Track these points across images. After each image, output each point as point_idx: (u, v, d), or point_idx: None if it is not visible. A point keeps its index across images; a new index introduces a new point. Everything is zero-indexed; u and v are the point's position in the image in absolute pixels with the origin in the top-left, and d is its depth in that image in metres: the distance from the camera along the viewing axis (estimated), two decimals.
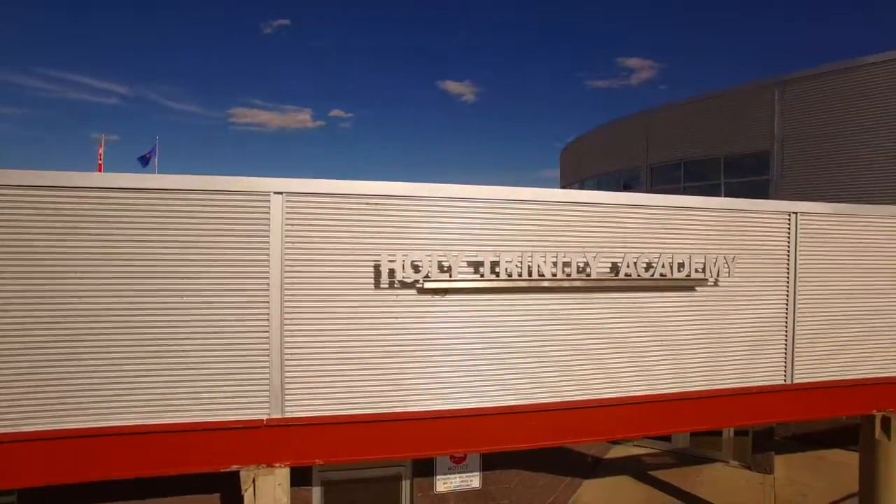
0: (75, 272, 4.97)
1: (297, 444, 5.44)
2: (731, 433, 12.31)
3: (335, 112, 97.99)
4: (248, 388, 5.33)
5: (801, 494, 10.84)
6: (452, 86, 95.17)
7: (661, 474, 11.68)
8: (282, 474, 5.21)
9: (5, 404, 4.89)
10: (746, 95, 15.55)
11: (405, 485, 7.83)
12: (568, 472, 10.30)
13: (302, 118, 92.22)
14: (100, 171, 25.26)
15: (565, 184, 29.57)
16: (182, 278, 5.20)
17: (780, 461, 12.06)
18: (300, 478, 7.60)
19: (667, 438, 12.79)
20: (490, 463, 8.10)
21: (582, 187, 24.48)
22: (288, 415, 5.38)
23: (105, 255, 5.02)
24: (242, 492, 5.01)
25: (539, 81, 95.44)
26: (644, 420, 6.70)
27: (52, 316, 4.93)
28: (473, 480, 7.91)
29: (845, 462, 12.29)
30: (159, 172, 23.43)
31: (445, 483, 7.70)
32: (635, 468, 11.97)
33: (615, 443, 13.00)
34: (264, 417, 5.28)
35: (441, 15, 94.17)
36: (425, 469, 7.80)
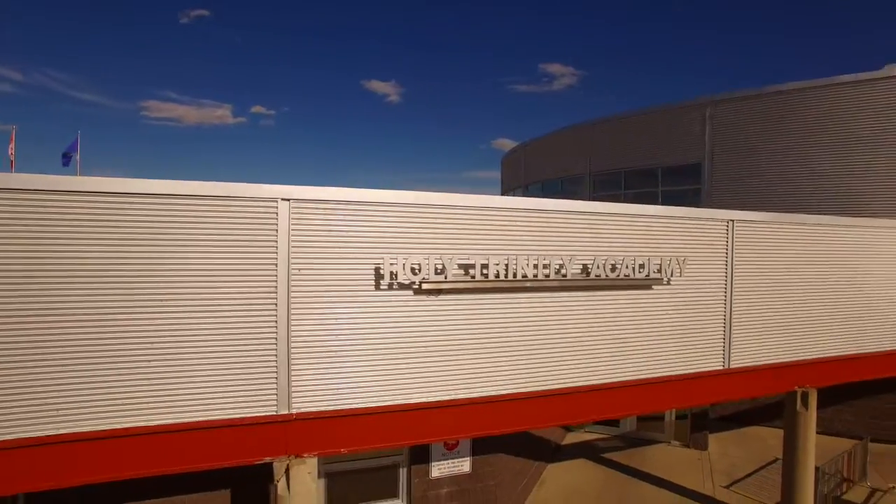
0: (90, 277, 5.09)
1: (324, 434, 5.82)
2: (673, 416, 13.67)
3: (257, 108, 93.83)
4: (260, 385, 5.60)
5: (732, 465, 12.33)
6: (378, 85, 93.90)
7: (612, 456, 12.84)
8: (312, 463, 5.58)
9: (46, 406, 4.99)
10: (681, 112, 17.24)
11: (403, 472, 8.31)
12: (536, 457, 11.14)
13: (221, 114, 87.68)
14: (12, 167, 23.25)
15: (507, 189, 30.69)
16: (196, 281, 5.42)
17: (712, 439, 13.59)
18: None
19: (615, 423, 13.97)
20: (478, 448, 8.72)
21: (526, 193, 25.60)
22: (313, 409, 5.75)
23: (116, 259, 5.16)
24: (275, 481, 5.32)
25: (464, 83, 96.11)
26: (618, 403, 7.60)
27: (75, 322, 5.06)
28: (464, 465, 8.50)
29: (763, 436, 14.15)
30: (82, 171, 22.02)
31: (440, 468, 8.24)
32: (590, 451, 13.07)
33: (569, 429, 14.05)
34: (293, 412, 5.63)
35: (363, 11, 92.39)
36: (421, 456, 8.31)
